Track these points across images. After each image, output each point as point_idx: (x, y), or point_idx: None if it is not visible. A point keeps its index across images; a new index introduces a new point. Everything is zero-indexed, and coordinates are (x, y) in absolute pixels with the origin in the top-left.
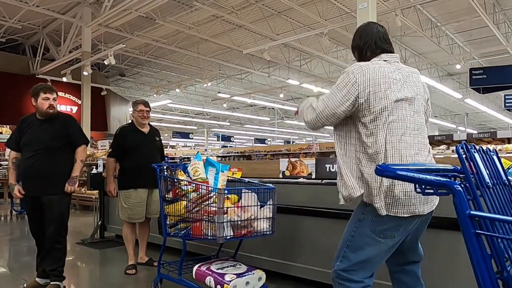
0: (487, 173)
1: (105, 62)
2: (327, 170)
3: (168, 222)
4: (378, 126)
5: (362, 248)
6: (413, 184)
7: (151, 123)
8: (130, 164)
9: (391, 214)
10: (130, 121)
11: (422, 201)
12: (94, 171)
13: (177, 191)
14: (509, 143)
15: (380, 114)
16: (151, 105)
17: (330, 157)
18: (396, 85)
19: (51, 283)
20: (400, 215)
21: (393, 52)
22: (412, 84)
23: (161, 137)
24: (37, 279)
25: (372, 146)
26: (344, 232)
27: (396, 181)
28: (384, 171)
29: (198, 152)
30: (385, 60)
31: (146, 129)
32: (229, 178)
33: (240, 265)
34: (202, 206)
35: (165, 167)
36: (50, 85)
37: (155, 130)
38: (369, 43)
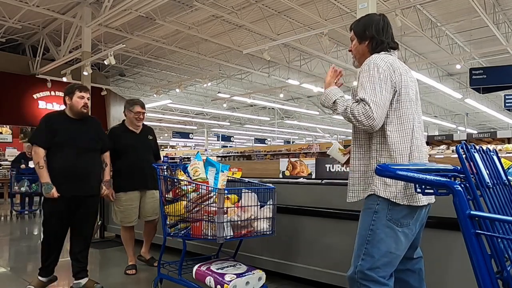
0: (487, 173)
1: (105, 62)
2: (327, 170)
3: (168, 222)
4: (402, 118)
5: (383, 240)
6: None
7: (144, 122)
8: (121, 166)
9: (407, 203)
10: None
11: None
12: None
13: (177, 191)
14: (509, 143)
15: (403, 108)
16: (151, 105)
17: (330, 157)
18: (408, 80)
19: (90, 279)
20: (417, 204)
21: (397, 49)
22: (413, 80)
23: (156, 135)
24: (41, 278)
25: (395, 138)
26: (360, 229)
27: None
28: (384, 171)
29: (198, 152)
30: (390, 55)
31: (138, 129)
32: (229, 178)
33: (240, 265)
34: (202, 206)
35: (165, 167)
36: (84, 85)
37: (148, 129)
38: (387, 41)
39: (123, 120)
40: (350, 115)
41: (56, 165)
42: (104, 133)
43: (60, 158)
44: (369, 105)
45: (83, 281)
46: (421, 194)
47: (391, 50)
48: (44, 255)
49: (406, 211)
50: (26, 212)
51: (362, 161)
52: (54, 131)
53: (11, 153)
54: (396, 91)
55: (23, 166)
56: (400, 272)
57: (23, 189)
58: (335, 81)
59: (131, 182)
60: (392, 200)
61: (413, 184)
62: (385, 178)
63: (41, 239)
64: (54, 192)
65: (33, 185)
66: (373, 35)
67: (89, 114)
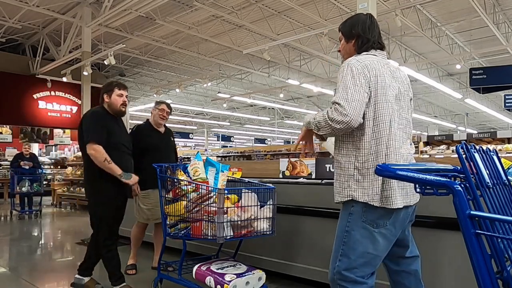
0: (487, 173)
1: (105, 62)
2: (327, 170)
3: (168, 222)
4: (378, 120)
5: (359, 241)
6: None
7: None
8: (147, 164)
9: (382, 206)
10: (143, 120)
11: (409, 193)
12: None
13: (177, 191)
14: (509, 143)
15: (379, 109)
16: (151, 105)
17: (330, 157)
18: (388, 80)
19: (92, 278)
20: (391, 207)
21: (384, 49)
22: (399, 80)
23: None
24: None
25: (371, 141)
26: (337, 231)
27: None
28: (384, 171)
29: (198, 152)
30: (374, 55)
31: (162, 129)
32: (229, 178)
33: (240, 265)
34: (202, 206)
35: (164, 167)
36: (122, 82)
37: (169, 130)
38: (372, 40)
39: (148, 120)
40: (328, 120)
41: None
42: None
43: (116, 159)
44: (340, 104)
45: (86, 279)
46: (397, 197)
47: (377, 50)
48: (115, 260)
49: (382, 212)
50: (27, 212)
51: (340, 164)
52: (107, 130)
53: (11, 153)
54: (372, 91)
55: (22, 163)
56: (396, 274)
57: (24, 189)
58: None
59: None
60: (370, 203)
61: (389, 187)
62: (362, 182)
63: (104, 250)
64: (135, 177)
65: (35, 185)
66: (359, 34)
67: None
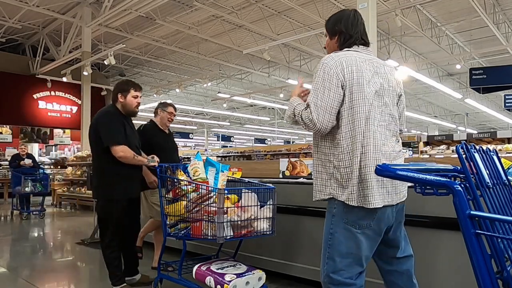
0: (487, 173)
1: (105, 62)
2: None
3: (168, 222)
4: (354, 117)
5: (342, 243)
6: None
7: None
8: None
9: (360, 205)
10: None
11: (390, 192)
12: None
13: (177, 191)
14: (509, 143)
15: (355, 106)
16: (151, 105)
17: None
18: (367, 75)
19: (142, 274)
20: (368, 206)
21: (368, 46)
22: (383, 76)
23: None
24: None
25: (347, 139)
26: (323, 234)
27: (365, 172)
28: (384, 171)
29: (198, 152)
30: (356, 51)
31: (166, 130)
32: (229, 178)
33: (240, 265)
34: (202, 206)
35: (164, 167)
36: (137, 82)
37: (171, 132)
38: (355, 36)
39: (151, 120)
40: (300, 120)
41: (124, 167)
42: None
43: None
44: (310, 108)
45: (137, 277)
46: (376, 196)
47: (360, 46)
48: (117, 261)
49: (363, 213)
50: (26, 212)
51: (322, 162)
52: (123, 130)
53: (11, 153)
54: (347, 87)
55: (22, 162)
56: (389, 273)
57: (27, 189)
58: (302, 95)
59: None
60: (346, 202)
61: (367, 186)
62: (341, 181)
63: (108, 250)
64: (157, 158)
65: (38, 185)
66: (342, 30)
67: None
